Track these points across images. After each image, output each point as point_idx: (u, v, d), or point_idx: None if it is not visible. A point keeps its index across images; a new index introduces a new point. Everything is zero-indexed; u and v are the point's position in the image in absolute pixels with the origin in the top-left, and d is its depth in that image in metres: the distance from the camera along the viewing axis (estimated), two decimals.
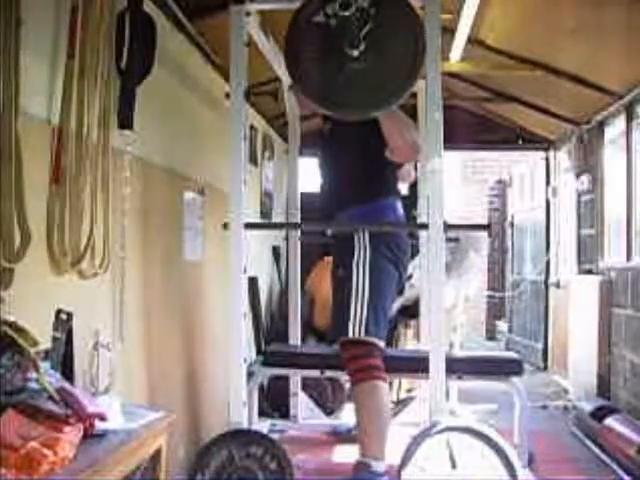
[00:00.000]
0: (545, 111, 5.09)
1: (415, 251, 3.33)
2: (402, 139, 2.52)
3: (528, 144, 6.09)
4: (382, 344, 2.56)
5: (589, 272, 4.97)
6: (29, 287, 1.69)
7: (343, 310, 2.53)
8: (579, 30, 3.49)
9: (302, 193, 3.32)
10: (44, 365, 1.58)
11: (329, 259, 4.77)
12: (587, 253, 5.16)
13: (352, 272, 2.54)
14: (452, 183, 9.83)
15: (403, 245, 2.68)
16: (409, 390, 4.13)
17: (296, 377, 3.27)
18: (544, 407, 4.63)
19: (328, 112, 2.41)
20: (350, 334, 2.48)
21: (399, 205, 2.74)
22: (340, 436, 3.35)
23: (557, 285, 6.00)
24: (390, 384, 3.40)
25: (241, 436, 2.24)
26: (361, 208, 2.64)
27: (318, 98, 2.31)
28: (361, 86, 2.25)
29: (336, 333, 2.58)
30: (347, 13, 2.15)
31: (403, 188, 3.05)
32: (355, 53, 2.20)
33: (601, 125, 4.83)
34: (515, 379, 2.70)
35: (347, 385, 4.08)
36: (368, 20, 2.19)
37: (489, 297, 8.99)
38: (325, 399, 3.91)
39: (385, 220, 2.65)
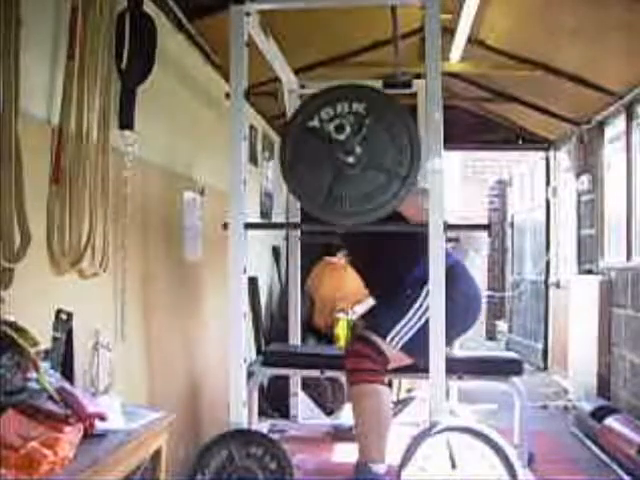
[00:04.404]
0: (545, 111, 5.10)
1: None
2: (413, 207, 2.49)
3: (528, 144, 6.09)
4: (392, 352, 2.52)
5: (589, 272, 4.97)
6: (29, 287, 1.69)
7: (393, 319, 2.53)
8: (579, 30, 3.49)
9: None
10: (44, 365, 1.58)
11: (329, 259, 4.81)
12: (587, 253, 5.16)
13: (420, 295, 2.52)
14: (452, 183, 9.83)
15: (476, 303, 2.69)
16: (409, 390, 4.13)
17: (296, 377, 3.27)
18: (544, 407, 4.63)
19: (327, 220, 2.30)
20: (388, 339, 2.49)
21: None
22: (340, 436, 3.35)
23: (557, 285, 6.00)
24: (390, 384, 3.40)
25: (241, 436, 2.24)
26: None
27: (316, 207, 2.26)
28: (357, 193, 2.21)
29: (373, 329, 2.57)
30: (342, 137, 2.17)
31: None
32: (350, 160, 2.19)
33: (601, 125, 4.83)
34: (515, 379, 2.70)
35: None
36: (363, 126, 2.18)
37: (489, 297, 8.99)
38: (325, 399, 3.91)
39: (458, 279, 2.61)
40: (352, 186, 2.21)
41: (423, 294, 2.51)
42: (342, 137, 2.18)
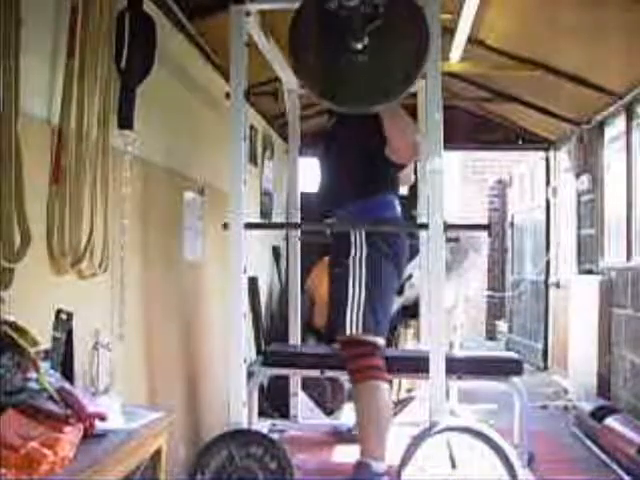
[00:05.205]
0: (545, 111, 5.09)
1: (415, 251, 3.33)
2: (402, 139, 2.52)
3: (528, 144, 6.09)
4: (382, 342, 2.55)
5: (589, 272, 4.97)
6: (29, 287, 1.69)
7: (340, 308, 2.52)
8: (579, 30, 3.49)
9: (302, 193, 3.32)
10: (44, 365, 1.58)
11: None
12: (587, 253, 5.16)
13: (349, 269, 2.53)
14: (452, 183, 9.83)
15: (400, 241, 2.67)
16: (409, 390, 4.13)
17: (296, 377, 3.27)
18: (544, 407, 4.63)
19: (325, 103, 2.37)
20: (347, 332, 2.47)
21: (396, 202, 2.74)
22: (340, 436, 3.35)
23: (557, 285, 6.00)
24: (390, 384, 3.41)
25: (241, 436, 2.24)
26: (359, 204, 2.64)
27: (316, 88, 2.28)
28: (360, 80, 2.23)
29: (333, 332, 2.58)
30: (352, 3, 2.13)
31: (403, 189, 3.05)
32: (359, 46, 2.18)
33: (601, 125, 4.83)
34: (515, 379, 2.70)
35: (347, 385, 4.09)
36: (377, 16, 2.17)
37: (489, 297, 9.00)
38: (325, 399, 3.91)
39: (383, 216, 2.65)
40: (356, 74, 2.21)
41: (350, 267, 2.52)
42: (354, 21, 2.15)
